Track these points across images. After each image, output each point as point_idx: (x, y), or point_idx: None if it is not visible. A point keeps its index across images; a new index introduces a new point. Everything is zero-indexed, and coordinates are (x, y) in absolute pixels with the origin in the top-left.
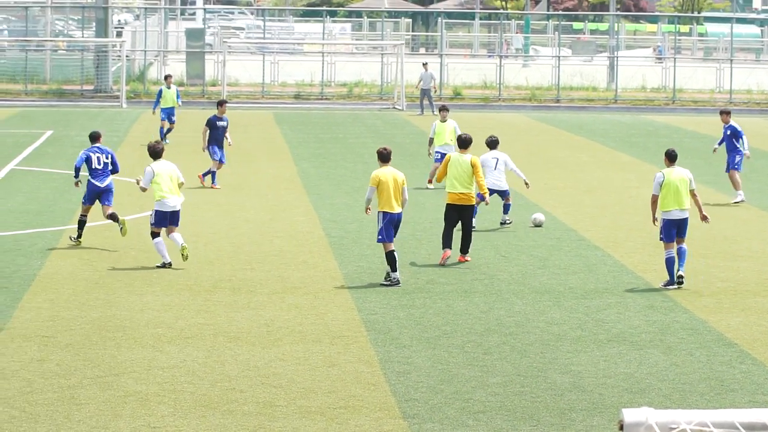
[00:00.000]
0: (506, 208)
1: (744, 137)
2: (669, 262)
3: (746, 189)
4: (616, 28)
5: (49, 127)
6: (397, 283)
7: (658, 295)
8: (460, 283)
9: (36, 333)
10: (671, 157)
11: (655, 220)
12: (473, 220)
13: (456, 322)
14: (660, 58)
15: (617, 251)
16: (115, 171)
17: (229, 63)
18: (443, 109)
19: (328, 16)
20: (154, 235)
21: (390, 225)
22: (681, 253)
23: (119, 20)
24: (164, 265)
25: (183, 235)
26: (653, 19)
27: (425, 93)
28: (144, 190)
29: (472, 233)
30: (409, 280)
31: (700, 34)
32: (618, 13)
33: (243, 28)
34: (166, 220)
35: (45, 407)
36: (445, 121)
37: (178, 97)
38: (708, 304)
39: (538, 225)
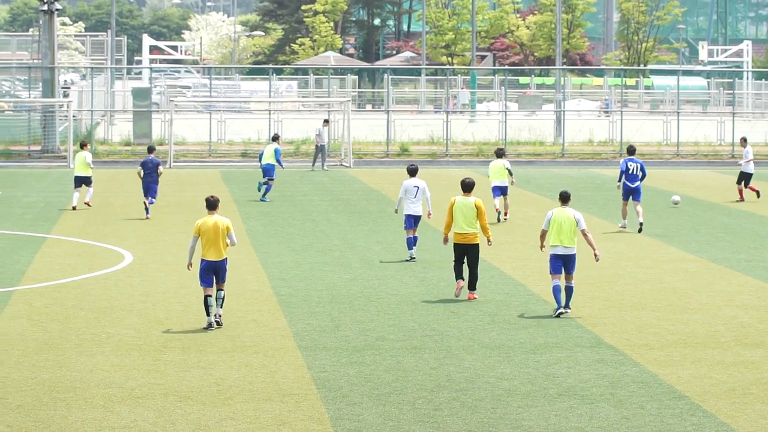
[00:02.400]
0: (414, 241)
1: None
2: (555, 290)
3: (695, 241)
4: (562, 82)
5: None
6: (210, 326)
7: (608, 349)
8: (410, 340)
9: None
10: (563, 198)
11: (542, 247)
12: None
13: (406, 378)
14: (607, 112)
15: None
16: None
17: (176, 122)
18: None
19: (274, 74)
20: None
21: (209, 271)
22: (568, 291)
23: (66, 80)
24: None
25: (131, 294)
26: (599, 73)
27: (321, 149)
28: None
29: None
30: (359, 337)
31: (647, 87)
32: (564, 67)
33: (189, 87)
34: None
35: None
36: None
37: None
38: (658, 357)
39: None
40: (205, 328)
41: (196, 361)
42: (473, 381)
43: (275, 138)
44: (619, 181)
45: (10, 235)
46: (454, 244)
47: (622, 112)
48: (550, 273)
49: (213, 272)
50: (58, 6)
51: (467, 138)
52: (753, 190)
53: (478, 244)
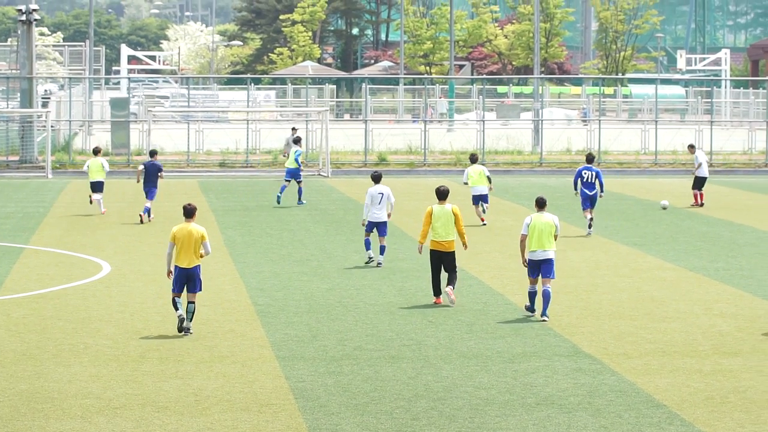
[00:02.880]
0: (382, 250)
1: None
2: (531, 295)
3: (673, 249)
4: (540, 91)
5: None
6: (180, 320)
7: (586, 358)
8: (388, 349)
9: None
10: (540, 204)
11: (524, 261)
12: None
13: (384, 388)
14: (585, 120)
15: None
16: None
17: (154, 132)
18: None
19: (252, 84)
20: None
21: (182, 278)
22: (545, 296)
23: (46, 90)
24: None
25: (108, 305)
26: (578, 82)
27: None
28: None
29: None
30: (336, 347)
31: (625, 96)
32: (542, 76)
33: (167, 97)
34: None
35: None
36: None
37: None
38: (636, 365)
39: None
40: (178, 328)
41: (174, 371)
42: (451, 390)
43: (297, 141)
44: (576, 188)
45: None
46: (431, 251)
47: (600, 120)
48: (529, 276)
49: (186, 279)
50: (36, 16)
51: (445, 147)
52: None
53: (454, 252)
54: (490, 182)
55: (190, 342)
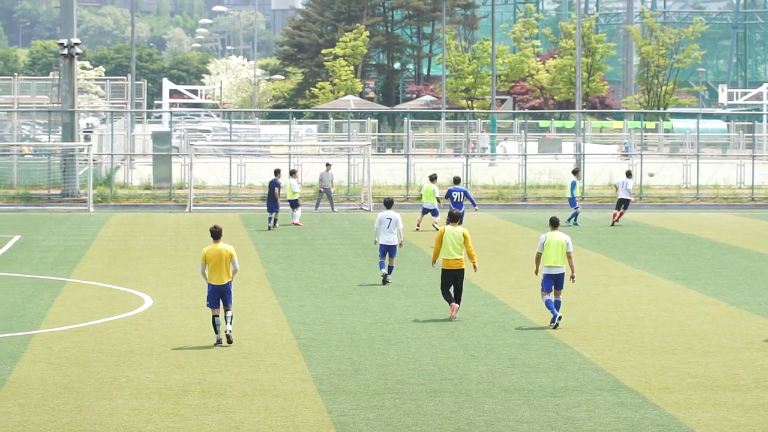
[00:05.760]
0: (390, 270)
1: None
2: (548, 304)
3: (714, 284)
4: (582, 126)
5: (17, 231)
6: (218, 342)
7: (628, 392)
8: (430, 383)
9: None
10: (554, 223)
11: (537, 271)
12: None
13: (426, 422)
14: (626, 155)
15: (586, 349)
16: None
17: (196, 165)
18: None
19: (294, 118)
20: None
21: (216, 294)
22: (557, 303)
23: (88, 123)
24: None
25: (150, 338)
26: (619, 116)
27: (327, 192)
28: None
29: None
30: (378, 381)
31: (666, 130)
32: (584, 110)
33: (209, 131)
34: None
35: None
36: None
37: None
38: (678, 399)
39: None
40: (214, 344)
41: (215, 405)
42: (493, 425)
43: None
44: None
45: (30, 279)
46: (443, 269)
47: (641, 155)
48: (542, 290)
49: (219, 295)
50: (78, 50)
51: (487, 182)
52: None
53: (463, 269)
54: (438, 201)
55: (232, 376)
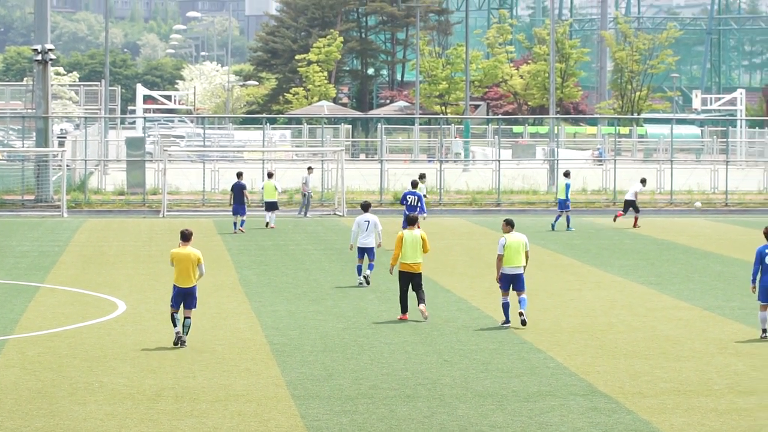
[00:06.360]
0: (370, 267)
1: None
2: (505, 306)
3: (688, 289)
4: (555, 131)
5: None
6: (178, 335)
7: (601, 397)
8: (403, 388)
9: None
10: (511, 224)
11: (498, 277)
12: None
13: (399, 427)
14: (600, 160)
15: (559, 354)
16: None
17: (170, 171)
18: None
19: (267, 123)
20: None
21: (179, 297)
22: (522, 302)
23: (61, 129)
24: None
25: (124, 343)
26: (593, 121)
27: (308, 195)
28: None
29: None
30: (352, 386)
31: (640, 136)
32: (558, 116)
33: (183, 136)
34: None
35: None
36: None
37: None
38: (651, 404)
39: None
40: (174, 342)
41: (189, 409)
42: (466, 429)
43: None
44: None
45: (3, 285)
46: (400, 272)
47: (615, 160)
48: (502, 290)
49: (182, 298)
50: (52, 56)
51: (461, 187)
52: (619, 217)
53: (421, 273)
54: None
55: (206, 380)
